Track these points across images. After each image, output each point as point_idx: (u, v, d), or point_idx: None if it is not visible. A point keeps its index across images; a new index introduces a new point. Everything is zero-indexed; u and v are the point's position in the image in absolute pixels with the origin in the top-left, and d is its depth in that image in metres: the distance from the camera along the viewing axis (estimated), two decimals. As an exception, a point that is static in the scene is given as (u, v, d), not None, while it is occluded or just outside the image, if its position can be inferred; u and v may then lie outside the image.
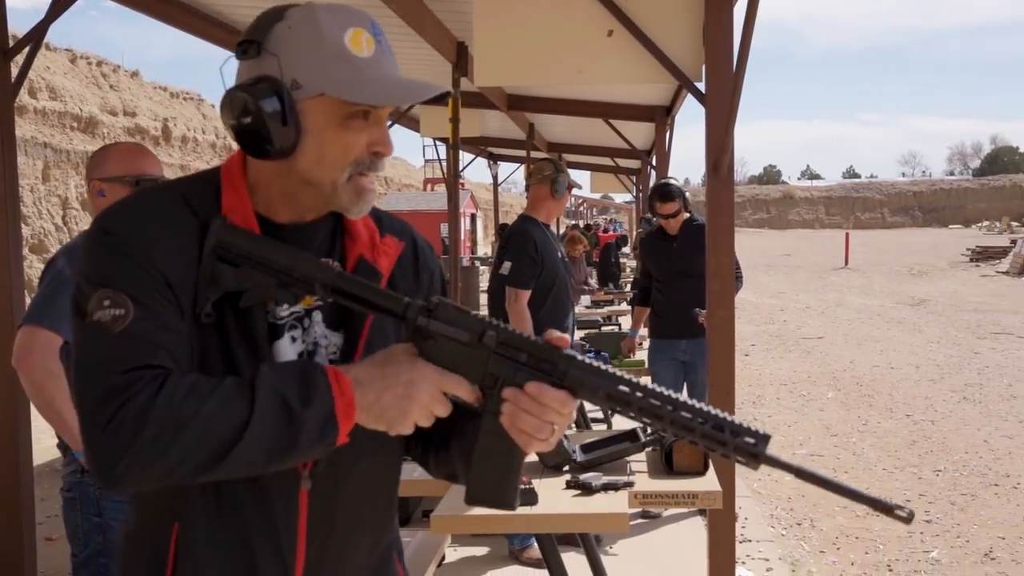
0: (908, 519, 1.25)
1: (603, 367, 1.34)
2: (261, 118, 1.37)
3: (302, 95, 1.39)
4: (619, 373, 1.33)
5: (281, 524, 1.45)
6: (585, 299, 12.34)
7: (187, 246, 1.39)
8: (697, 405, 1.30)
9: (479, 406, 1.39)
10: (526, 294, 5.04)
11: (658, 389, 1.32)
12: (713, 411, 1.30)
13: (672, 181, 6.14)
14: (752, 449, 1.28)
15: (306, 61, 1.39)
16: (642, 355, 7.66)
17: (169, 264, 1.36)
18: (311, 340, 1.50)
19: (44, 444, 8.23)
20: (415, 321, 1.35)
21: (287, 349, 1.47)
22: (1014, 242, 35.40)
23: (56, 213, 16.72)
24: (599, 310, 11.52)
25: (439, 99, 1.48)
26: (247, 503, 1.43)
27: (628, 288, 14.28)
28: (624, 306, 13.52)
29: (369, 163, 1.46)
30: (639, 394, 1.31)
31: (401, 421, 1.34)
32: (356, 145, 1.43)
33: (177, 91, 24.65)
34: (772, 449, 1.30)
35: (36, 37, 4.39)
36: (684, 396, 1.31)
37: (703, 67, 4.21)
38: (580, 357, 1.34)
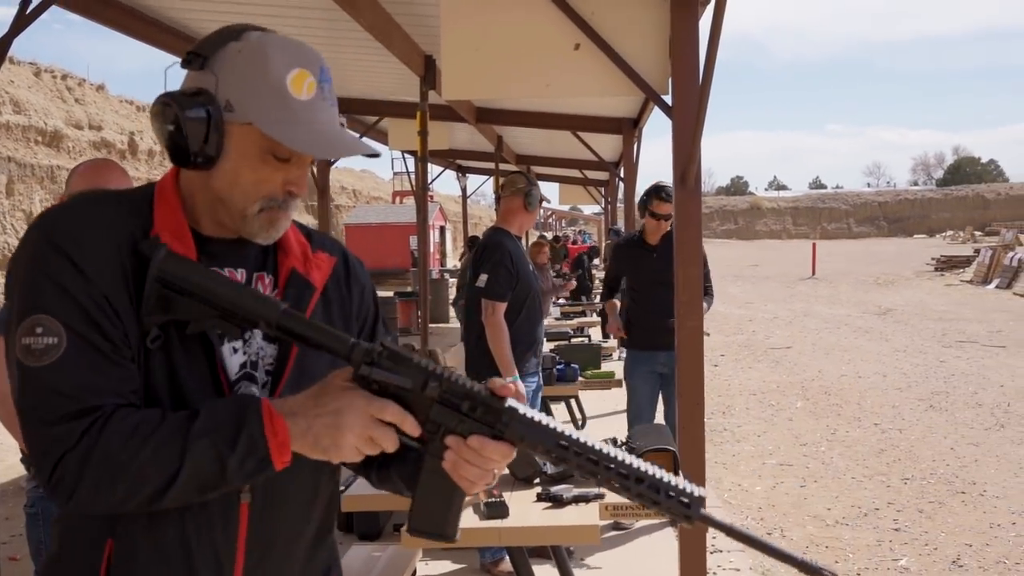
0: None
1: (544, 421, 1.35)
2: (183, 127, 1.40)
3: (232, 118, 1.42)
4: (559, 428, 1.34)
5: (220, 536, 1.46)
6: (555, 311, 12.36)
7: (124, 260, 1.40)
8: (635, 464, 1.32)
9: (421, 445, 1.40)
10: (503, 306, 5.04)
11: (596, 446, 1.33)
12: (650, 471, 1.31)
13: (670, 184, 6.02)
14: (686, 512, 1.31)
15: (243, 88, 1.42)
16: (611, 366, 7.69)
17: (108, 280, 1.37)
18: (253, 351, 1.52)
19: (7, 463, 8.14)
20: (358, 369, 1.36)
21: (229, 360, 1.49)
22: (977, 251, 35.86)
23: (20, 227, 16.54)
24: (569, 322, 11.53)
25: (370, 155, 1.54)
26: (187, 516, 1.44)
27: (598, 300, 14.29)
28: (595, 317, 13.55)
29: (282, 201, 1.49)
30: (576, 451, 1.33)
31: (335, 449, 1.35)
32: (271, 181, 1.47)
33: (143, 104, 24.51)
34: (711, 499, 1.34)
35: (1, 51, 4.35)
36: (622, 453, 1.32)
37: (669, 80, 4.23)
38: (522, 410, 1.35)
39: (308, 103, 1.43)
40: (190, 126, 1.40)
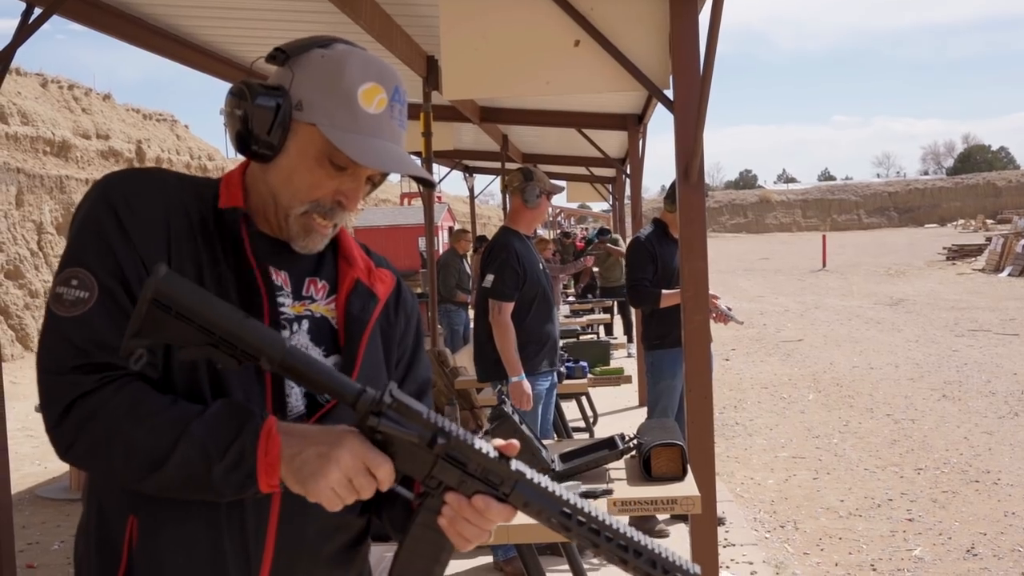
0: None
1: (550, 488, 1.33)
2: (250, 116, 1.44)
3: (299, 117, 1.45)
4: (564, 496, 1.32)
5: (251, 523, 1.45)
6: (564, 308, 12.37)
7: (172, 229, 1.43)
8: (635, 538, 1.31)
9: (415, 502, 1.38)
10: (509, 306, 5.05)
11: (600, 516, 1.32)
12: (650, 545, 1.31)
13: None
14: None
15: (316, 90, 1.45)
16: (619, 362, 7.68)
17: (150, 245, 1.40)
18: (302, 345, 1.52)
19: (23, 472, 8.19)
20: (365, 420, 1.32)
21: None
22: (989, 240, 35.71)
23: (31, 238, 16.60)
24: (578, 319, 11.53)
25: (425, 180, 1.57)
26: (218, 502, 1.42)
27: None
28: (603, 314, 13.55)
29: (329, 209, 1.50)
30: (579, 520, 1.32)
31: (314, 481, 1.31)
32: (323, 186, 1.48)
33: (150, 113, 24.57)
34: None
35: (4, 61, 4.37)
36: (624, 525, 1.32)
37: (671, 75, 4.23)
38: (528, 475, 1.33)
39: (375, 117, 1.46)
40: (257, 113, 1.43)
